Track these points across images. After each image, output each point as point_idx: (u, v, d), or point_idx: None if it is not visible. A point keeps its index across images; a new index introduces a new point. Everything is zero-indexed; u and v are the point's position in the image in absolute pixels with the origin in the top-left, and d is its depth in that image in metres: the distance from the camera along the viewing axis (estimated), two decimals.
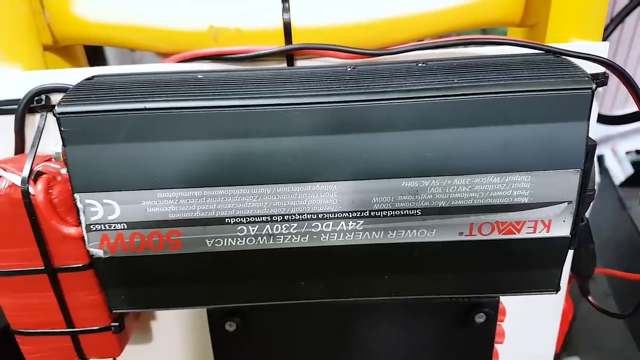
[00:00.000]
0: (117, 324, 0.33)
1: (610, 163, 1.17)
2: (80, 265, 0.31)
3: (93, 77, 0.30)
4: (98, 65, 0.34)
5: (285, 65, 0.33)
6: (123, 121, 0.26)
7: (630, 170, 1.16)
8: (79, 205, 0.27)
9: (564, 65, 0.28)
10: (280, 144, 0.26)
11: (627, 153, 1.19)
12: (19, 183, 0.29)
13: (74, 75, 0.32)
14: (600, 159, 1.13)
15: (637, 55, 1.17)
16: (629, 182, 1.13)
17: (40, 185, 0.29)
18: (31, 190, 0.29)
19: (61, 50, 0.37)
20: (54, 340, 0.33)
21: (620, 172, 1.17)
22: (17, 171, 0.29)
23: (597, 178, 0.99)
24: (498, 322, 0.34)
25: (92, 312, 0.33)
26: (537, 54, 0.30)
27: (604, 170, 1.05)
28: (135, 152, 0.26)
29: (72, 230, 0.29)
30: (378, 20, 0.33)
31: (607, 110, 1.11)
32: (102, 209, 0.27)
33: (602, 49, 0.32)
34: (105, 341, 0.34)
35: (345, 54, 0.31)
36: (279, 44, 0.33)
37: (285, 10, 0.32)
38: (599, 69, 0.32)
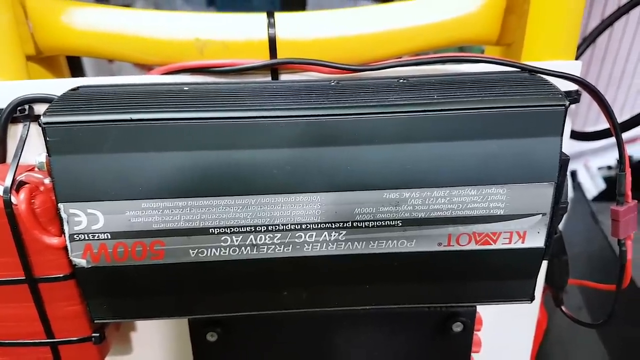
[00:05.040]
0: (97, 334, 0.33)
1: (583, 178, 1.20)
2: (61, 275, 0.31)
3: (78, 87, 0.30)
4: (76, 76, 0.34)
5: (269, 78, 0.34)
6: (108, 132, 0.26)
7: (602, 186, 1.19)
8: (63, 215, 0.27)
9: (538, 83, 0.29)
10: (264, 155, 0.27)
11: (599, 169, 1.22)
12: (0, 193, 0.29)
13: (58, 85, 0.32)
14: (574, 174, 1.16)
15: (608, 74, 1.21)
16: (601, 197, 1.16)
17: (22, 195, 0.28)
18: (13, 200, 0.28)
19: (44, 60, 0.37)
20: (33, 351, 0.33)
21: (592, 187, 1.20)
22: None
23: (571, 193, 1.01)
24: (475, 332, 0.34)
25: (72, 322, 0.32)
26: (513, 72, 0.31)
27: (576, 186, 1.08)
28: (120, 162, 0.26)
29: (54, 241, 0.29)
30: (360, 37, 0.34)
31: (580, 126, 1.15)
32: (86, 218, 0.27)
33: (575, 68, 0.34)
34: (86, 352, 0.34)
35: (329, 69, 0.32)
36: (264, 58, 0.33)
37: (271, 25, 0.33)
38: (572, 86, 0.33)
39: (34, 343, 0.33)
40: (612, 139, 0.33)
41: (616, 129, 0.33)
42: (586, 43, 0.46)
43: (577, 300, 0.76)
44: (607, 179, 1.21)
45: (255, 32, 0.33)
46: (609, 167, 1.23)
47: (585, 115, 1.11)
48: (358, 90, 0.29)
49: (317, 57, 0.32)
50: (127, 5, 1.32)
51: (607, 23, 0.47)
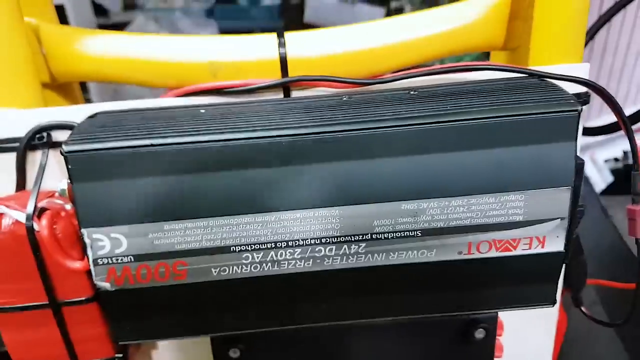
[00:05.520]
0: (120, 355, 0.33)
1: (590, 172, 1.19)
2: (84, 298, 0.31)
3: (96, 114, 0.31)
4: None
5: (281, 96, 0.34)
6: (129, 158, 0.26)
7: (610, 178, 1.19)
8: (86, 240, 0.28)
9: (548, 88, 0.29)
10: (283, 173, 0.27)
11: (606, 161, 1.22)
12: (23, 220, 0.29)
13: (74, 112, 0.32)
14: None
15: (609, 69, 1.21)
16: (609, 190, 1.15)
17: (44, 221, 0.29)
18: (35, 226, 0.29)
19: (58, 87, 0.38)
20: None
21: (600, 180, 1.19)
22: (21, 208, 0.29)
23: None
24: (496, 337, 0.34)
25: (95, 344, 0.33)
26: (522, 78, 0.32)
27: (584, 179, 1.07)
28: (142, 186, 0.27)
29: (77, 265, 0.30)
30: (368, 51, 0.35)
31: (583, 121, 1.14)
32: (109, 243, 0.28)
33: (583, 70, 0.34)
34: None
35: (339, 84, 0.33)
36: (275, 77, 0.34)
37: (281, 45, 0.34)
38: (581, 88, 0.34)
39: None
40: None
41: (629, 131, 0.33)
42: (585, 40, 0.46)
43: (592, 297, 0.76)
44: (614, 171, 1.20)
45: (267, 52, 0.34)
46: (616, 159, 1.22)
47: (588, 110, 1.11)
48: (370, 104, 0.29)
49: (327, 72, 0.33)
50: (128, 21, 1.33)
51: (605, 18, 0.47)
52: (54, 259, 0.30)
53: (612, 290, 0.40)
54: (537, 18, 0.34)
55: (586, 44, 0.45)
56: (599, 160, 1.22)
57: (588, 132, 0.51)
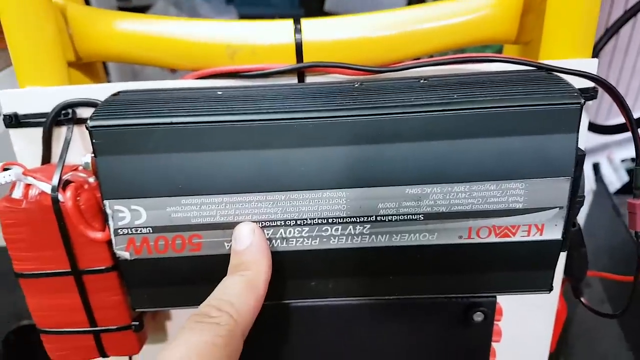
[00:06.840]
0: (137, 322, 0.35)
1: (606, 171, 1.18)
2: (104, 267, 0.33)
3: (119, 92, 0.32)
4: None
5: (296, 81, 0.35)
6: (151, 134, 0.28)
7: (626, 178, 1.18)
8: (108, 211, 0.29)
9: (554, 81, 0.30)
10: (294, 154, 0.29)
11: (622, 161, 1.21)
12: (48, 191, 0.31)
13: (98, 90, 0.34)
14: (596, 167, 1.15)
15: (632, 65, 1.19)
16: (624, 190, 1.14)
17: (69, 193, 0.31)
18: (60, 197, 0.31)
19: (83, 66, 0.40)
20: (77, 338, 0.35)
21: (616, 179, 1.18)
22: (47, 180, 0.31)
23: (593, 186, 1.00)
24: (495, 322, 0.35)
25: (114, 312, 0.35)
26: (530, 71, 0.32)
27: (599, 178, 1.06)
28: (162, 162, 0.28)
29: (98, 235, 0.31)
30: (382, 39, 0.36)
31: (603, 119, 1.13)
32: (130, 214, 0.29)
33: (591, 66, 0.35)
34: (126, 339, 0.36)
35: (352, 71, 0.34)
36: (291, 62, 0.35)
37: (297, 31, 0.35)
38: (589, 83, 0.34)
39: (78, 331, 0.35)
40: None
41: (632, 124, 0.33)
42: (609, 34, 0.46)
43: (599, 294, 0.77)
44: (631, 172, 1.19)
45: (283, 38, 0.35)
46: (633, 159, 1.21)
47: (609, 108, 1.10)
48: (381, 91, 0.30)
49: (341, 59, 0.34)
50: (149, 5, 1.33)
51: (631, 13, 0.46)
52: (77, 229, 0.31)
53: (621, 286, 0.41)
54: (548, 13, 0.35)
55: (610, 38, 0.45)
56: (616, 160, 1.21)
57: (607, 130, 0.51)
